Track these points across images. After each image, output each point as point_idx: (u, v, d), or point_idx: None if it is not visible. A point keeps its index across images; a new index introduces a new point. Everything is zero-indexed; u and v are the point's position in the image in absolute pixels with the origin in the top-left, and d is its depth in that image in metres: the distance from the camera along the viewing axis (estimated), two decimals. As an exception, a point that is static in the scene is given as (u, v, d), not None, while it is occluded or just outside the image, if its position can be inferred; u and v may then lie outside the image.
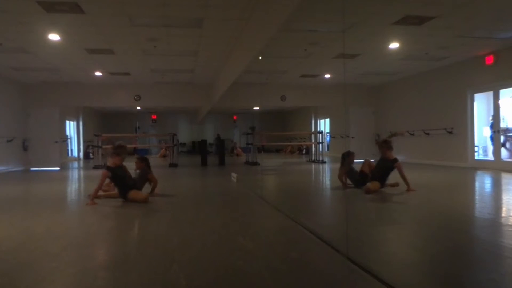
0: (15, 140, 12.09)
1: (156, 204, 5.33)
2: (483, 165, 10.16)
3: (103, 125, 22.31)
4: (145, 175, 6.05)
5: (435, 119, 11.75)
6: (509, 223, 4.20)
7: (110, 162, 5.63)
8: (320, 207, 5.64)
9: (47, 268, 2.81)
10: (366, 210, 5.06)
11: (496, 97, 9.82)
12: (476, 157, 10.62)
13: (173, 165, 12.62)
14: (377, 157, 6.54)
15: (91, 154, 17.60)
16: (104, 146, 12.48)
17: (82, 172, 11.99)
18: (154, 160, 12.16)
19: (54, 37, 7.84)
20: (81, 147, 18.68)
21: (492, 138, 10.25)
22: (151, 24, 7.26)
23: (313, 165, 13.02)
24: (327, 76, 12.95)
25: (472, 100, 10.61)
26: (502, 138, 10.21)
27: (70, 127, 17.87)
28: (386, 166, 6.09)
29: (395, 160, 6.14)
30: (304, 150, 19.60)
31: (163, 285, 2.44)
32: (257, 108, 19.66)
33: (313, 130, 19.72)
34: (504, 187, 7.29)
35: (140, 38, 8.15)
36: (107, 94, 14.07)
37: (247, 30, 7.38)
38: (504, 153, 10.32)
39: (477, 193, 6.54)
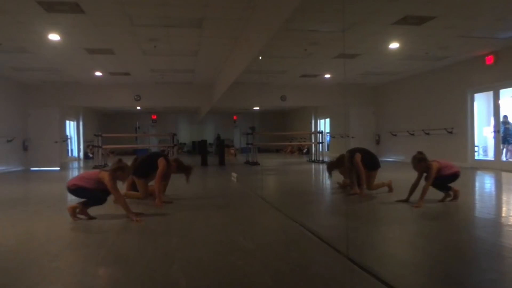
0: (15, 140, 12.09)
1: (156, 205, 5.32)
2: (483, 165, 10.17)
3: (103, 125, 22.32)
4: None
5: (435, 119, 11.76)
6: (509, 223, 4.20)
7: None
8: (320, 207, 5.64)
9: (47, 268, 2.81)
10: (365, 210, 5.06)
11: (496, 97, 9.83)
12: (476, 157, 10.62)
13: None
14: (379, 157, 6.50)
15: (91, 154, 17.61)
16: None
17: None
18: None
19: (54, 37, 7.84)
20: (81, 147, 18.69)
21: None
22: (151, 24, 7.26)
23: (313, 165, 13.02)
24: (327, 76, 12.95)
25: (472, 100, 10.61)
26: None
27: (70, 127, 17.88)
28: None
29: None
30: (305, 150, 19.61)
31: (163, 285, 2.44)
32: (257, 108, 19.67)
33: (313, 130, 19.73)
34: (504, 187, 7.29)
35: (140, 38, 8.15)
36: (107, 94, 14.08)
37: (247, 30, 7.38)
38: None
39: (477, 193, 6.54)
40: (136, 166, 5.68)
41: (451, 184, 5.14)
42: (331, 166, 6.35)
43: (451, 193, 5.14)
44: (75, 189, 4.35)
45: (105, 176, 4.37)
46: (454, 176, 5.12)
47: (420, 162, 5.08)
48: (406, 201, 5.12)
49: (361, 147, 6.36)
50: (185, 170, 5.78)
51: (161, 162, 5.40)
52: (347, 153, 6.05)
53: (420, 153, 5.14)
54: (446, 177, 5.07)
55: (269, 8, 5.76)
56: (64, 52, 9.12)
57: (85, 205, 4.39)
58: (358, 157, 5.81)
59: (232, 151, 19.82)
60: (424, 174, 5.11)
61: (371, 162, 5.96)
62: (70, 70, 11.35)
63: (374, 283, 2.42)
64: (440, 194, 5.17)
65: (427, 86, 12.18)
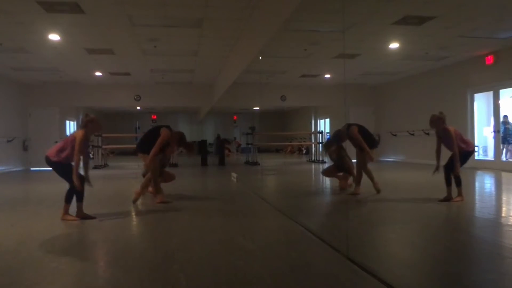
0: (15, 140, 12.09)
1: (156, 204, 5.33)
2: (483, 165, 10.16)
3: (103, 125, 22.29)
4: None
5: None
6: (509, 223, 4.20)
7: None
8: (320, 207, 5.64)
9: (47, 268, 2.81)
10: (366, 210, 5.06)
11: (496, 97, 9.83)
12: (476, 157, 10.61)
13: (173, 165, 12.61)
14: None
15: (90, 155, 17.60)
16: None
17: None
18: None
19: (54, 37, 7.84)
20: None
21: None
22: (151, 24, 7.26)
23: (313, 165, 13.02)
24: (327, 76, 12.95)
25: (472, 100, 10.60)
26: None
27: (70, 127, 17.87)
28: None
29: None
30: (304, 150, 19.60)
31: (163, 285, 2.44)
32: (257, 108, 19.66)
33: (313, 130, 19.72)
34: (504, 187, 7.30)
35: (140, 38, 8.15)
36: (107, 94, 14.07)
37: (247, 30, 7.38)
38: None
39: (477, 193, 6.54)
40: (140, 142, 5.61)
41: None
42: (329, 144, 6.35)
43: (459, 189, 5.14)
44: (57, 165, 4.27)
45: (78, 133, 4.31)
46: (466, 154, 5.17)
47: (438, 120, 5.24)
48: (438, 168, 5.20)
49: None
50: (186, 144, 5.73)
51: (164, 131, 5.35)
52: (343, 127, 6.04)
53: (441, 113, 5.32)
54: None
55: (269, 8, 5.75)
56: (64, 52, 9.12)
57: (68, 202, 4.37)
58: (355, 129, 5.81)
59: (227, 151, 19.58)
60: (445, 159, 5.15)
61: (368, 140, 5.89)
62: (70, 70, 11.34)
63: (374, 283, 2.42)
64: (441, 193, 5.17)
65: (427, 86, 12.17)
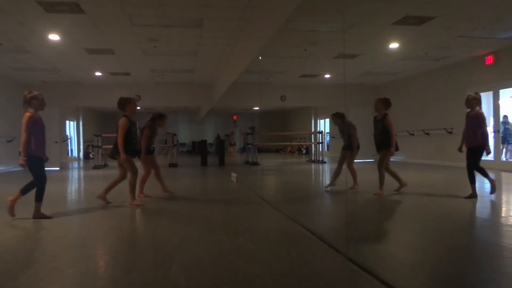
0: (15, 140, 12.08)
1: (156, 204, 5.33)
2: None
3: (103, 125, 22.30)
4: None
5: (435, 119, 11.75)
6: (509, 223, 4.19)
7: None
8: (320, 207, 5.64)
9: (47, 268, 2.80)
10: (366, 210, 5.06)
11: (496, 97, 9.83)
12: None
13: (173, 165, 12.62)
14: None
15: (91, 155, 17.60)
16: None
17: (82, 172, 11.99)
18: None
19: (54, 37, 7.84)
20: (81, 147, 18.67)
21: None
22: (151, 24, 7.26)
23: (313, 165, 13.02)
24: (327, 76, 12.95)
25: (472, 100, 10.60)
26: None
27: (70, 127, 17.88)
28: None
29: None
30: (304, 150, 19.60)
31: (163, 285, 2.44)
32: (257, 108, 19.67)
33: (313, 130, 19.72)
34: (504, 187, 7.29)
35: (140, 38, 8.15)
36: (107, 94, 14.08)
37: (247, 30, 7.38)
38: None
39: (477, 193, 6.52)
40: (112, 148, 5.39)
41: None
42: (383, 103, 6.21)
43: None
44: (29, 158, 4.24)
45: (26, 115, 4.24)
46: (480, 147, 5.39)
47: (473, 100, 5.36)
48: (461, 148, 5.47)
49: None
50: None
51: (121, 122, 5.24)
52: (378, 114, 6.16)
53: (476, 93, 5.42)
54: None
55: (269, 8, 5.75)
56: (64, 52, 9.12)
57: (23, 193, 4.40)
58: (390, 118, 5.84)
59: (231, 149, 19.72)
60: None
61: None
62: (70, 70, 11.35)
63: (374, 283, 2.42)
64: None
65: (427, 86, 12.18)
